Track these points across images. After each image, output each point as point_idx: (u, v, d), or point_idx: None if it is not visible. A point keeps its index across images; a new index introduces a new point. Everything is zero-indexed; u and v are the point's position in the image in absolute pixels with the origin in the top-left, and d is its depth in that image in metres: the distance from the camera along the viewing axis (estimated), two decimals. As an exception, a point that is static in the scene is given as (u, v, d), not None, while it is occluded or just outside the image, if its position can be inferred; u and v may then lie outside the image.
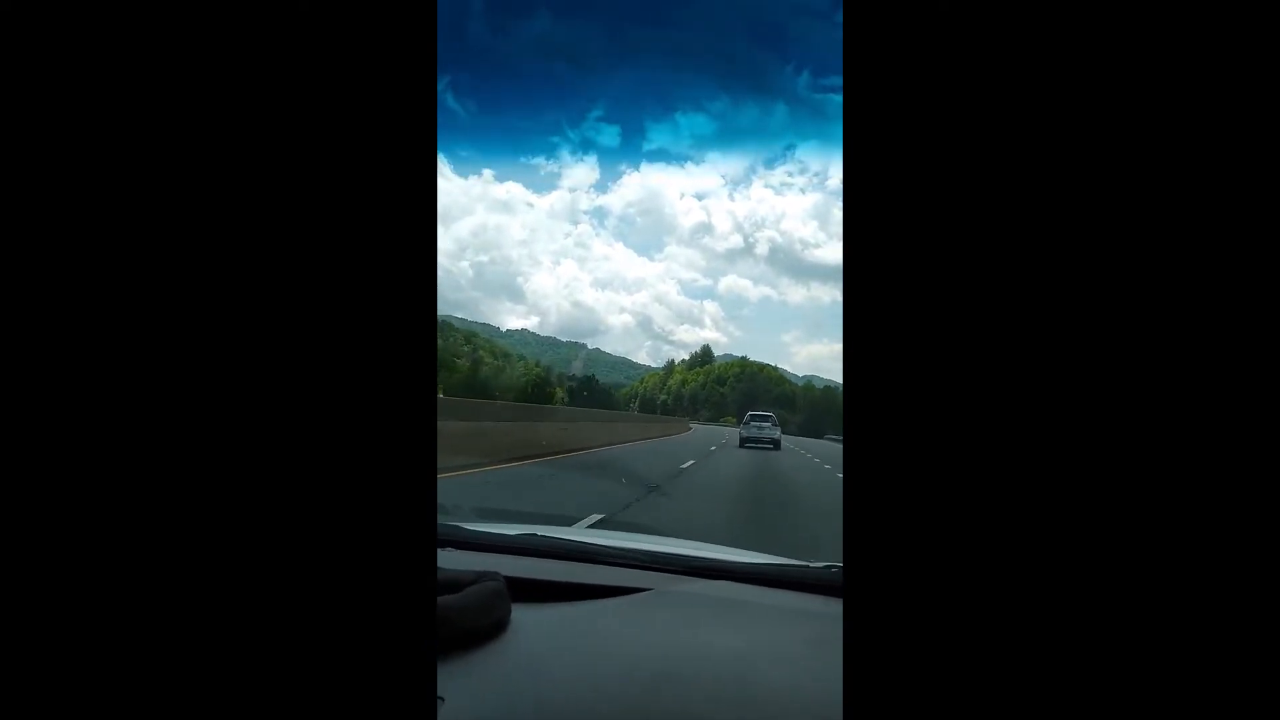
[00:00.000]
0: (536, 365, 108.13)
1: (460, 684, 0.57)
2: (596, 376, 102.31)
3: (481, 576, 0.74)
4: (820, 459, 16.94)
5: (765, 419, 20.91)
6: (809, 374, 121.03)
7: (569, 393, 75.14)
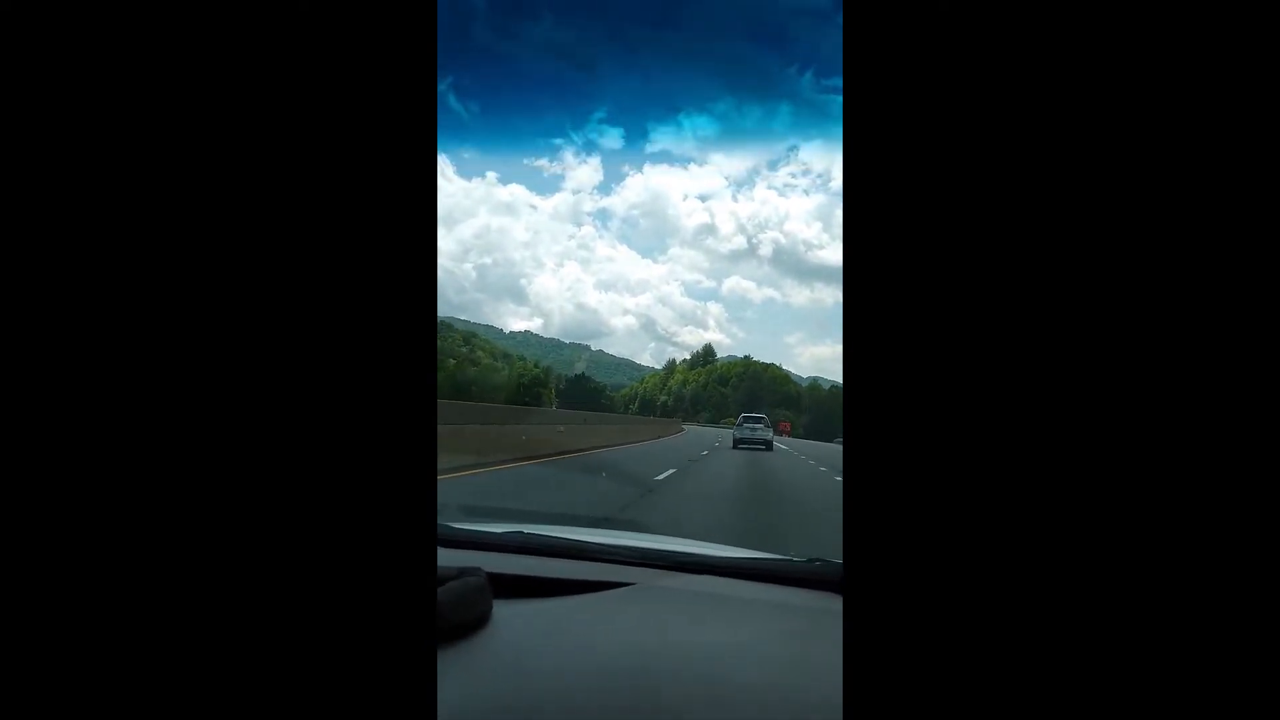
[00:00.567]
0: (535, 366, 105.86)
1: (440, 678, 0.59)
2: (587, 376, 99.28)
3: (463, 572, 0.74)
4: (830, 469, 14.41)
5: (758, 421, 22.51)
6: (813, 375, 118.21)
7: (558, 394, 72.33)
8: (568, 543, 1.14)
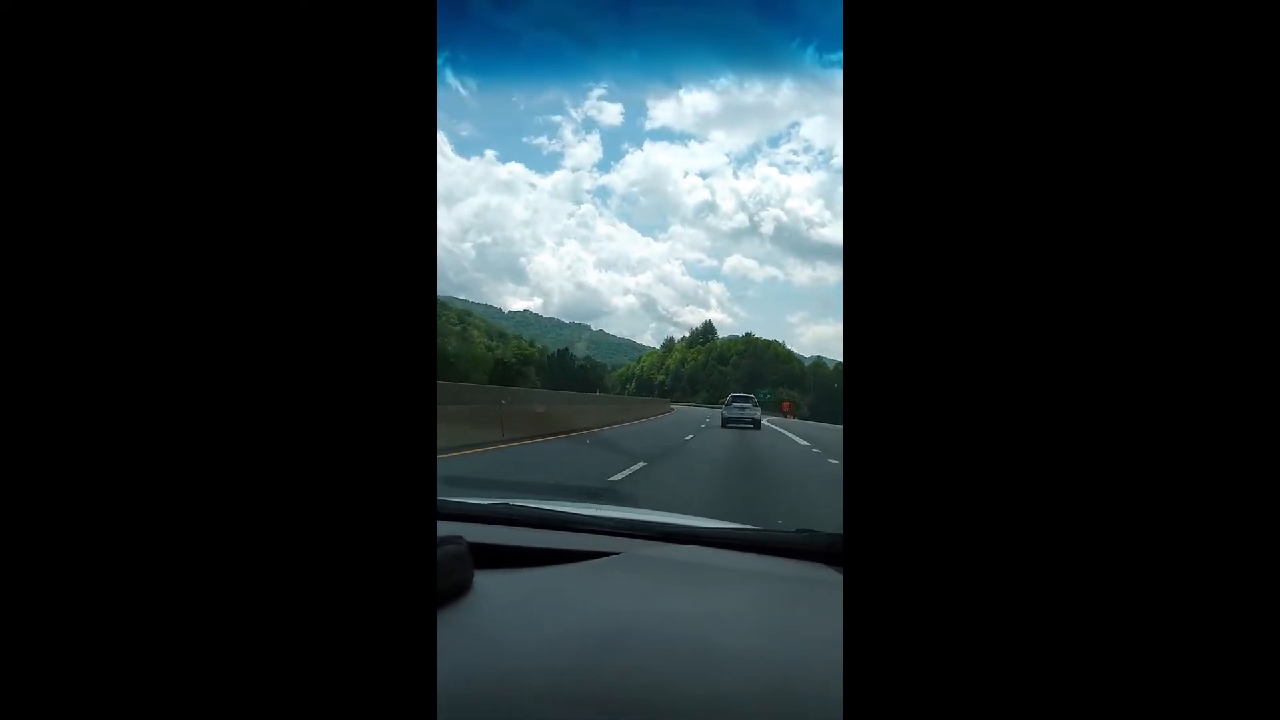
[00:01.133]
0: (531, 345, 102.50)
1: None
2: (571, 353, 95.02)
3: (443, 541, 0.74)
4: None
5: (746, 400, 22.51)
6: (816, 355, 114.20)
7: (540, 372, 68.22)
8: (553, 514, 1.13)
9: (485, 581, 0.76)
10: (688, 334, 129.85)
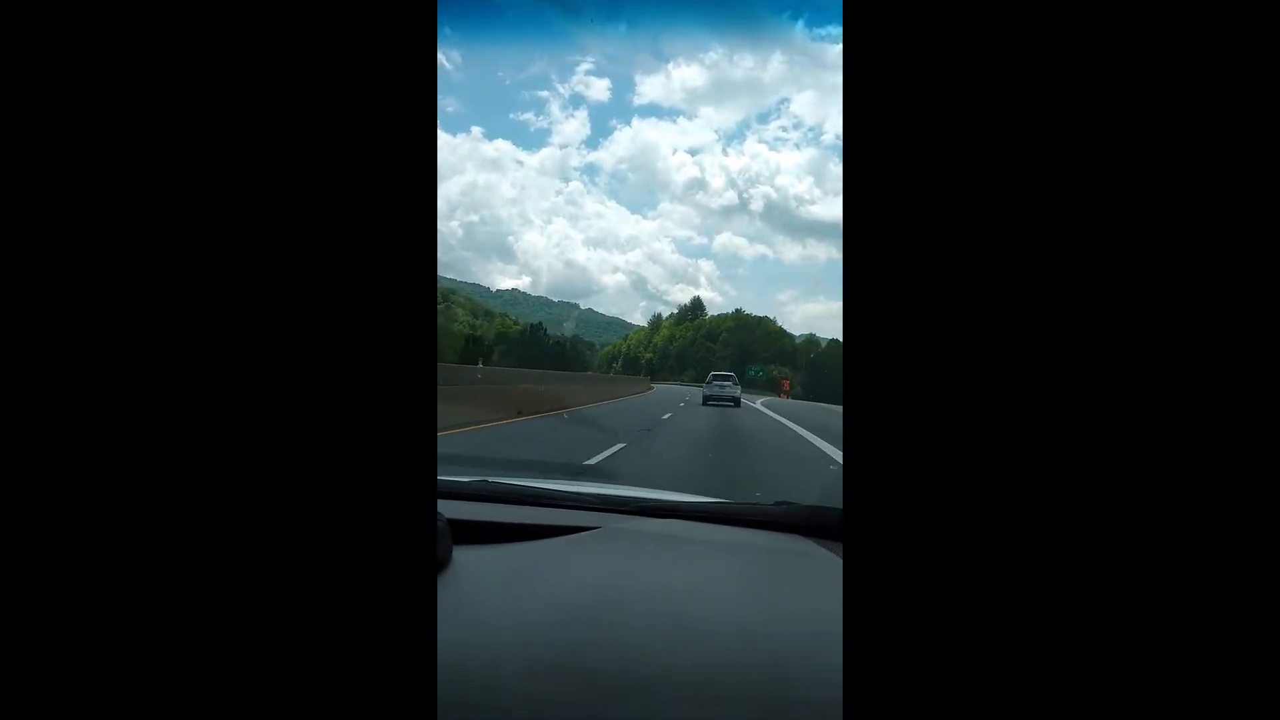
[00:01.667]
0: (515, 323, 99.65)
1: None
2: (562, 331, 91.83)
3: None
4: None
5: (727, 378, 23.23)
6: (805, 333, 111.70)
7: (512, 349, 65.02)
8: (532, 490, 1.13)
9: (464, 556, 0.76)
10: (676, 310, 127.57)
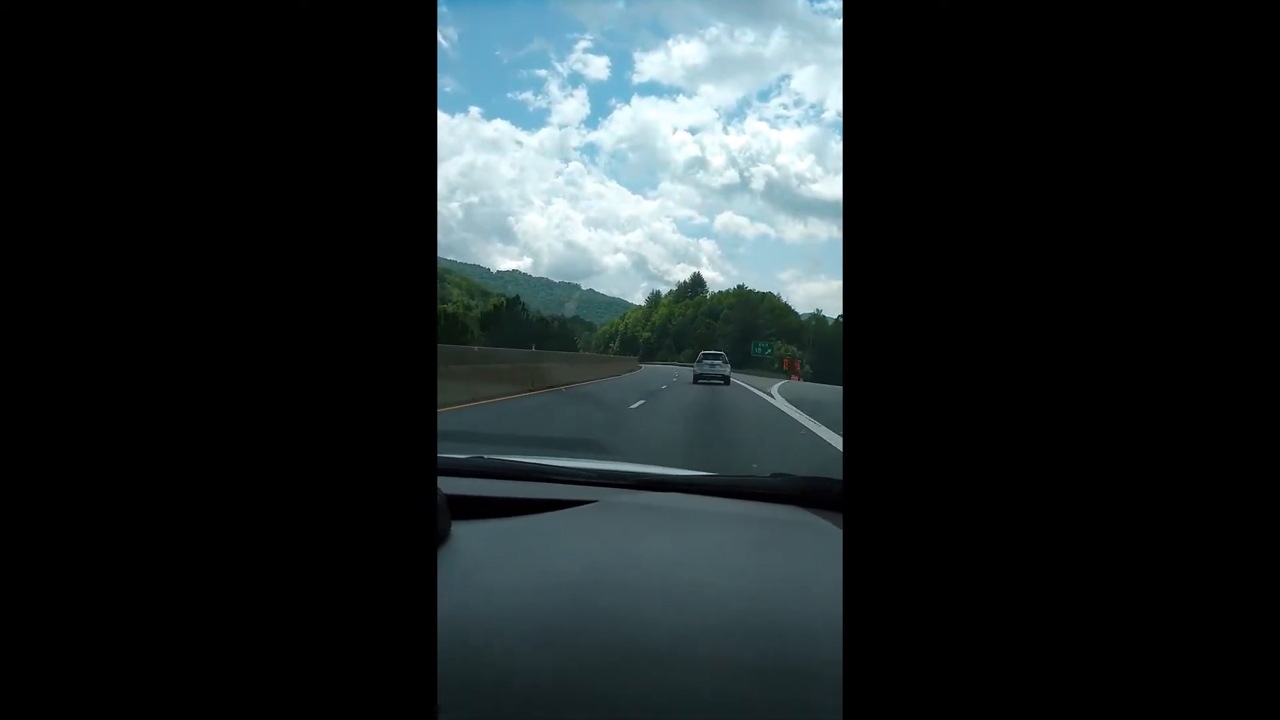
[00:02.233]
0: (515, 304, 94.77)
1: None
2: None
3: None
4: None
5: (716, 357, 24.22)
6: (807, 312, 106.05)
7: (485, 327, 59.42)
8: (529, 466, 1.14)
9: (462, 531, 0.76)
10: (675, 287, 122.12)
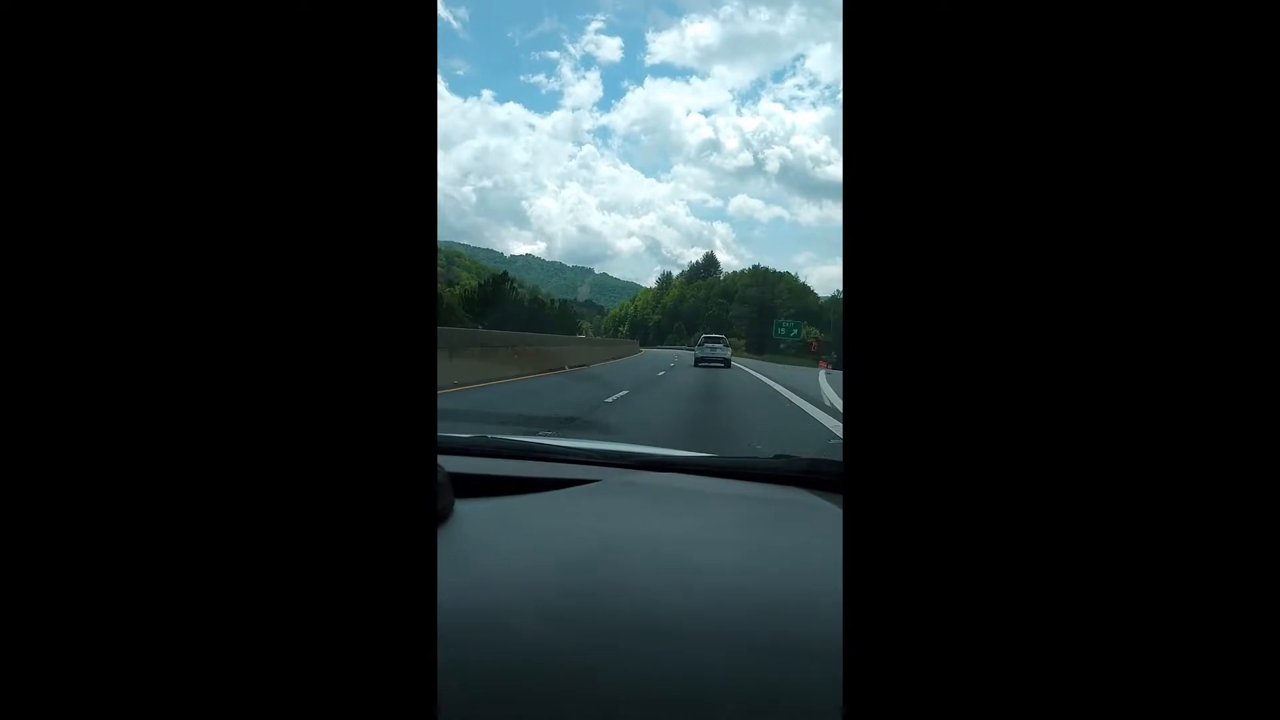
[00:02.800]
0: (522, 285, 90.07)
1: None
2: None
3: None
4: None
5: (717, 340, 25.95)
6: (832, 292, 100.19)
7: (469, 307, 54.11)
8: (533, 445, 1.14)
9: (465, 509, 0.76)
10: (687, 268, 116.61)
